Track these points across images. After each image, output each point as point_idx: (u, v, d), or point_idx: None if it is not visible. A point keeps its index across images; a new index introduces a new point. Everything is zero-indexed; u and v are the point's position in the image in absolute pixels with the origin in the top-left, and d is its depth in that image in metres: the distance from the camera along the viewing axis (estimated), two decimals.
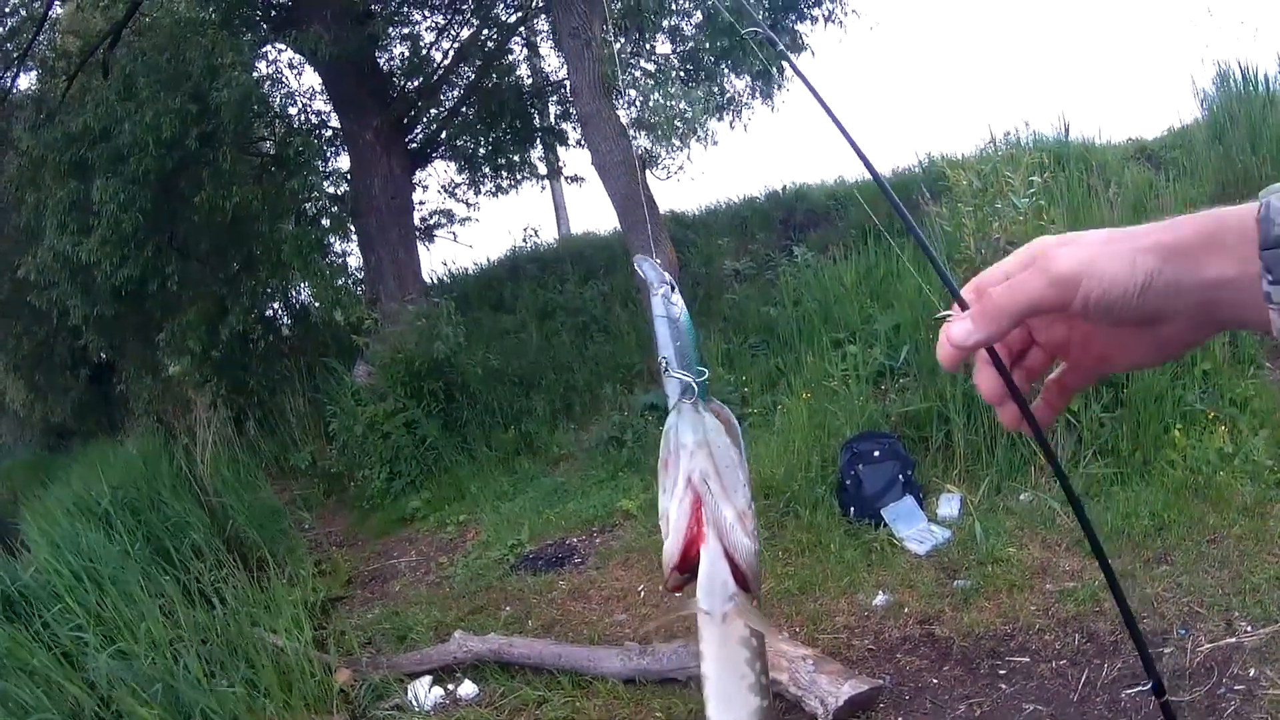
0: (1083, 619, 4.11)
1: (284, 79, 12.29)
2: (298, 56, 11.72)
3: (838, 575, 5.03)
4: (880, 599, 4.71)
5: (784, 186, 14.37)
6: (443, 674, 5.04)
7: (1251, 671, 3.49)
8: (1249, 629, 3.72)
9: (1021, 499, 5.23)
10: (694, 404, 1.17)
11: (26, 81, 13.41)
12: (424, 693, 4.88)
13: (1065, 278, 0.73)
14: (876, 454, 5.53)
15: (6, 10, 12.30)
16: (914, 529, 5.25)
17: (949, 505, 5.37)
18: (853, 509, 5.51)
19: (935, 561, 4.95)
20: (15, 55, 12.39)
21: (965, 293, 0.83)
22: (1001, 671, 3.94)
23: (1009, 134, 9.24)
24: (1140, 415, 5.29)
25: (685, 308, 1.23)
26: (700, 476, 1.15)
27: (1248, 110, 7.91)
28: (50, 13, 12.50)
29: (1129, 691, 3.58)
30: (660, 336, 1.24)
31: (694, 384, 1.20)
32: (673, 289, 1.22)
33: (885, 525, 5.34)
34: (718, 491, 1.16)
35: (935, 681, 4.00)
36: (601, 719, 4.27)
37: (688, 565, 1.16)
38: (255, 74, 10.41)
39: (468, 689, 4.85)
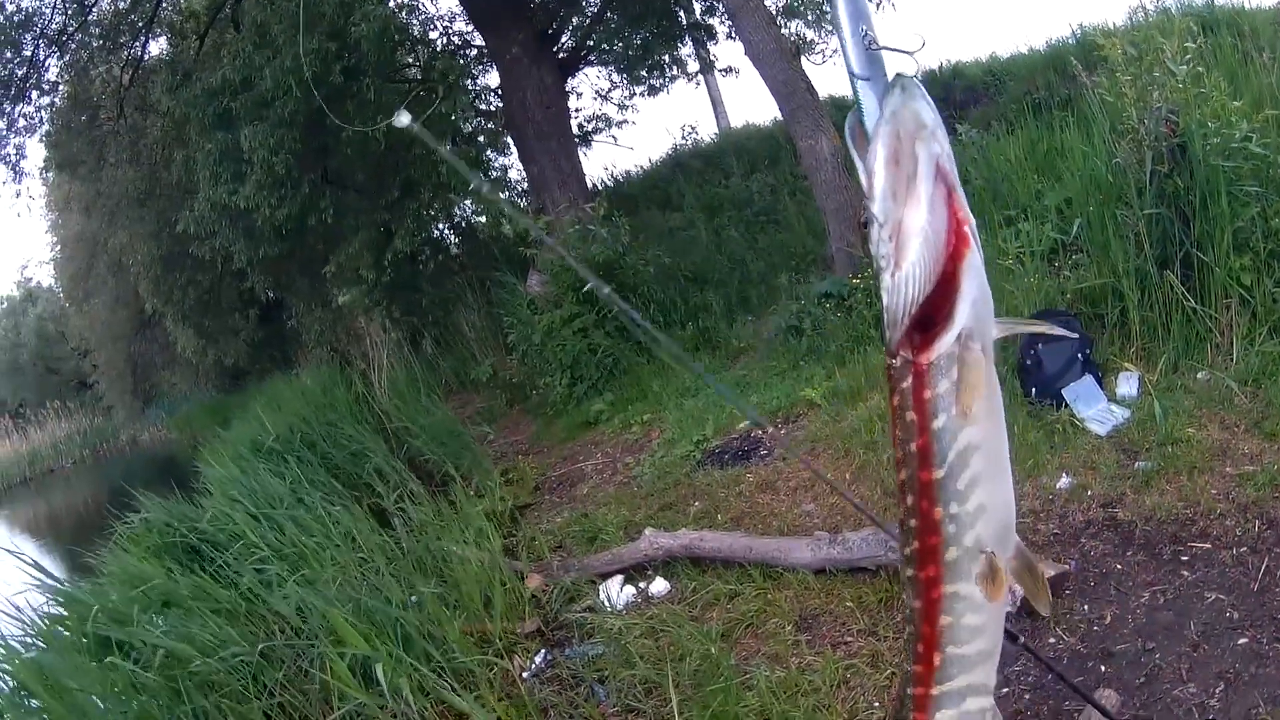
0: (1263, 504, 3.97)
1: (420, 6, 12.53)
2: None
3: (1022, 458, 4.91)
4: (1064, 481, 4.63)
5: (940, 65, 14.20)
6: (634, 573, 5.10)
7: None
8: None
9: (1199, 377, 5.05)
10: (915, 79, 0.98)
11: (156, 47, 13.83)
12: (616, 592, 4.94)
13: None
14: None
15: None
16: (1095, 409, 5.13)
17: (1128, 384, 5.24)
18: (1034, 390, 5.39)
19: (1115, 443, 4.81)
20: (140, 25, 12.77)
21: None
22: (1184, 558, 3.85)
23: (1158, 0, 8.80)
24: None
25: None
26: (949, 163, 0.95)
27: None
28: None
29: None
30: (850, 10, 1.07)
31: (914, 56, 1.07)
32: None
33: (1066, 405, 5.21)
34: (958, 183, 0.96)
35: (1119, 567, 3.94)
36: (793, 610, 4.28)
37: (949, 291, 0.95)
38: (392, 3, 10.56)
39: (659, 586, 4.89)
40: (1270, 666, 3.14)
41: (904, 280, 0.98)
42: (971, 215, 0.97)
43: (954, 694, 1.23)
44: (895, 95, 0.98)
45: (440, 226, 13.47)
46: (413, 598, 4.81)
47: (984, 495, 1.05)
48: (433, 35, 12.57)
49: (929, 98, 0.98)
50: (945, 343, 0.98)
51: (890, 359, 1.04)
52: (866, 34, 1.06)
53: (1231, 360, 5.10)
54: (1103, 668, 3.43)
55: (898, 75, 1.00)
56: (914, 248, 0.96)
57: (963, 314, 0.96)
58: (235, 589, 5.27)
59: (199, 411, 20.38)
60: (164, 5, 12.98)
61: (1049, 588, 1.15)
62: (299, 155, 9.88)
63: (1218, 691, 3.12)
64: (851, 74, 1.10)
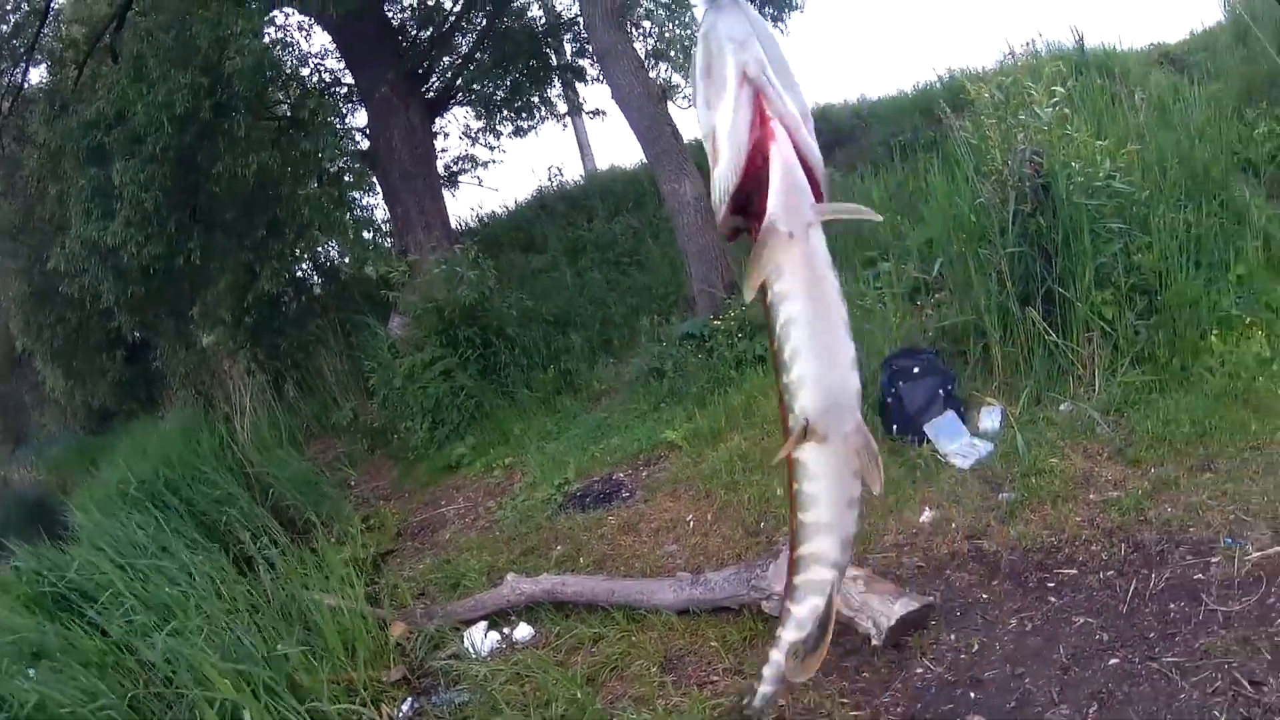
0: (1128, 529, 4.08)
1: (294, 42, 12.30)
2: (306, 18, 11.71)
3: (884, 493, 4.97)
4: (927, 515, 4.70)
5: None
6: (497, 618, 5.07)
7: None
8: None
9: (1061, 409, 5.20)
10: None
11: (37, 75, 13.48)
12: (480, 639, 4.91)
13: None
14: (916, 370, 5.48)
15: (9, 7, 12.37)
16: (957, 444, 5.21)
17: (990, 418, 5.34)
18: (895, 426, 5.47)
19: (979, 475, 4.92)
20: (22, 51, 12.46)
21: None
22: (1050, 584, 3.94)
23: (1028, 44, 9.12)
24: (1176, 322, 5.23)
25: None
26: (757, 67, 1.04)
27: (1270, 11, 7.74)
28: (52, 4, 12.57)
29: None
30: None
31: None
32: None
33: (928, 441, 5.30)
34: (778, 83, 1.05)
35: (985, 597, 4.00)
36: (658, 651, 4.28)
37: (751, 182, 1.05)
38: (265, 39, 10.39)
39: (523, 631, 4.88)
40: (1143, 684, 3.19)
41: (719, 176, 1.07)
42: (793, 109, 1.02)
43: (804, 559, 1.35)
44: (709, 14, 1.04)
45: (304, 267, 13.39)
46: (277, 646, 4.73)
47: (804, 368, 1.13)
48: (304, 72, 12.39)
49: (746, 10, 1.03)
50: (764, 225, 1.06)
51: (725, 238, 1.13)
52: None
53: (1094, 391, 5.23)
54: (972, 694, 3.46)
55: None
56: (724, 148, 1.04)
57: (771, 200, 1.04)
58: (104, 639, 5.14)
59: (67, 453, 19.80)
60: (45, 32, 12.56)
61: (882, 470, 1.21)
62: (169, 192, 9.70)
63: (1091, 712, 3.16)
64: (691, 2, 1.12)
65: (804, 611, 1.37)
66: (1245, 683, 3.04)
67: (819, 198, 1.07)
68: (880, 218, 1.15)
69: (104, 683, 4.58)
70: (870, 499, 4.65)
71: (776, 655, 1.49)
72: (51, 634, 5.24)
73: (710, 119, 1.06)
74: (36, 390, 22.05)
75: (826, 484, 1.22)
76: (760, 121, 1.02)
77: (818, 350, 1.11)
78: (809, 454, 1.18)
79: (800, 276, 1.07)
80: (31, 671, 4.89)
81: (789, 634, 1.42)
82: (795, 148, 1.03)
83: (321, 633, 4.89)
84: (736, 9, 1.03)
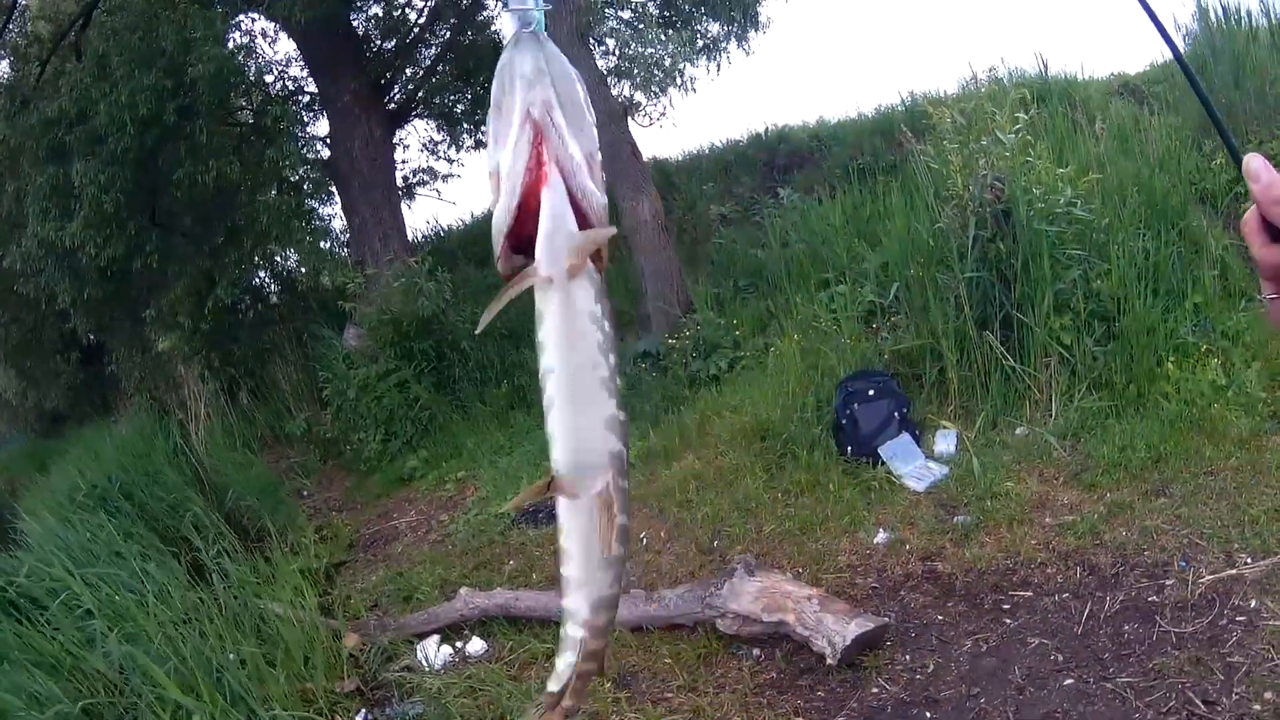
0: (1083, 552, 4.13)
1: (258, 48, 12.21)
2: (271, 24, 11.64)
3: (838, 515, 5.03)
4: (881, 537, 4.72)
5: (766, 129, 14.33)
6: (450, 632, 5.05)
7: (1252, 603, 3.50)
8: (1249, 560, 3.74)
9: (1017, 433, 5.24)
10: (534, 32, 1.04)
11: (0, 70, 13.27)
12: (433, 652, 4.89)
13: None
14: (871, 393, 5.51)
15: None
16: (912, 466, 5.25)
17: (945, 441, 5.37)
18: (850, 448, 5.49)
19: (934, 498, 4.95)
20: None
21: None
22: (1005, 606, 3.97)
23: (991, 70, 9.21)
24: (1133, 348, 5.29)
25: None
26: (542, 108, 1.01)
27: (1231, 45, 7.88)
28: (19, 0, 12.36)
29: None
30: None
31: (535, 12, 1.08)
32: None
33: (883, 463, 5.33)
34: (562, 125, 1.02)
35: (940, 618, 4.03)
36: (612, 668, 4.24)
37: (527, 223, 1.03)
38: (230, 45, 10.30)
39: (476, 645, 4.87)
40: (1098, 704, 3.21)
41: (497, 214, 1.06)
42: (575, 154, 1.02)
43: (565, 611, 1.28)
44: (507, 50, 1.04)
45: (262, 275, 13.38)
46: (230, 655, 4.69)
47: (555, 421, 1.11)
48: (267, 79, 12.24)
49: (544, 46, 1.03)
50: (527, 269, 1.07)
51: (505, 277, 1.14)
52: None
53: (1050, 416, 5.25)
54: (928, 714, 3.48)
55: (516, 30, 1.05)
56: (503, 187, 1.04)
57: (537, 245, 1.04)
58: (58, 644, 5.05)
59: (17, 456, 19.35)
60: (10, 27, 12.35)
61: (620, 533, 1.16)
62: (129, 194, 9.59)
63: None
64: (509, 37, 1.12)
65: (561, 665, 1.33)
66: (1199, 702, 3.08)
67: (596, 253, 1.07)
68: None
69: (58, 686, 4.54)
70: (825, 519, 4.68)
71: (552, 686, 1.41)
72: (10, 634, 5.15)
73: (495, 155, 1.04)
74: None
75: (577, 541, 1.19)
76: (537, 163, 1.02)
77: (572, 406, 1.11)
78: (562, 508, 1.16)
79: (558, 325, 1.08)
80: None
81: (551, 684, 1.37)
82: (569, 193, 1.02)
83: (276, 642, 4.86)
84: (534, 45, 1.03)
